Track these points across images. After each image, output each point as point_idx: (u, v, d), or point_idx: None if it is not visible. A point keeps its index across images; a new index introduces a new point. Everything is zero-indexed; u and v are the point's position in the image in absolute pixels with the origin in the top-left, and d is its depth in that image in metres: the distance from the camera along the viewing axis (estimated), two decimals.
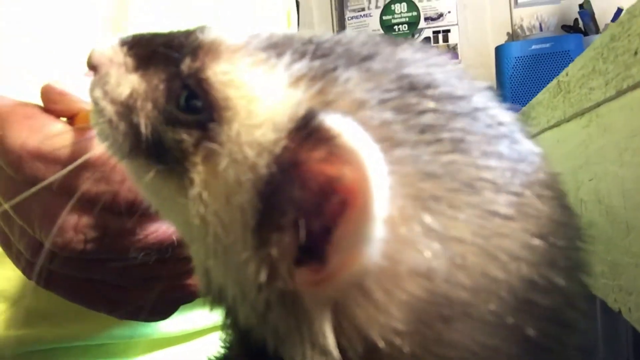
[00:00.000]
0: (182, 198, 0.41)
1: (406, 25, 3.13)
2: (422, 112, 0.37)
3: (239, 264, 0.38)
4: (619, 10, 2.85)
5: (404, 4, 3.13)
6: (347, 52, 0.40)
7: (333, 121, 0.34)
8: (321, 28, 3.25)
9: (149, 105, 0.43)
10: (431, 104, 0.37)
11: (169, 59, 0.44)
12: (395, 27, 3.13)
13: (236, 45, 0.42)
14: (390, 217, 0.33)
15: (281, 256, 0.36)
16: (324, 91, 0.38)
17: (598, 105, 0.67)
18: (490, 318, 0.35)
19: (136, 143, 0.44)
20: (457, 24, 3.11)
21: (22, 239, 0.54)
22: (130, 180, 0.48)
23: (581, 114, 0.76)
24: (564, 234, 0.39)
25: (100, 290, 0.57)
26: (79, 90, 0.52)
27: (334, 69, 0.39)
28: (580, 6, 2.93)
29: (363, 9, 3.16)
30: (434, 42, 3.11)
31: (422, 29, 3.13)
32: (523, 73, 2.73)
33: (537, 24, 2.99)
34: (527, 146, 0.40)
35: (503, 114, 0.40)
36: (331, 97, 0.38)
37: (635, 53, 0.53)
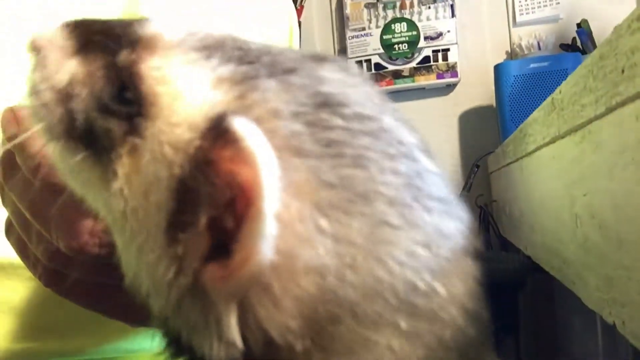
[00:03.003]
0: (105, 190, 0.43)
1: (406, 44, 3.16)
2: (331, 127, 0.41)
3: (151, 261, 0.41)
4: None
5: (404, 24, 3.16)
6: (272, 63, 0.43)
7: (239, 125, 0.37)
8: (322, 46, 3.29)
9: (85, 92, 0.44)
10: (340, 122, 0.41)
11: (107, 47, 0.45)
12: (396, 46, 3.16)
13: (172, 42, 0.44)
14: (287, 216, 0.37)
15: (190, 255, 0.39)
16: (243, 96, 0.41)
17: (590, 122, 0.69)
18: (374, 317, 0.39)
19: (70, 127, 0.45)
20: (456, 43, 3.14)
21: (39, 244, 0.55)
22: (56, 164, 0.49)
23: (574, 130, 0.77)
24: (447, 244, 0.43)
25: (116, 296, 0.58)
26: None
27: (256, 76, 0.42)
28: (578, 25, 2.95)
29: (364, 28, 3.19)
30: (434, 61, 3.14)
31: (422, 48, 3.15)
32: (522, 91, 2.74)
33: (536, 43, 3.01)
34: (425, 164, 0.44)
35: (407, 135, 0.44)
36: (248, 102, 0.40)
37: (622, 71, 0.54)
